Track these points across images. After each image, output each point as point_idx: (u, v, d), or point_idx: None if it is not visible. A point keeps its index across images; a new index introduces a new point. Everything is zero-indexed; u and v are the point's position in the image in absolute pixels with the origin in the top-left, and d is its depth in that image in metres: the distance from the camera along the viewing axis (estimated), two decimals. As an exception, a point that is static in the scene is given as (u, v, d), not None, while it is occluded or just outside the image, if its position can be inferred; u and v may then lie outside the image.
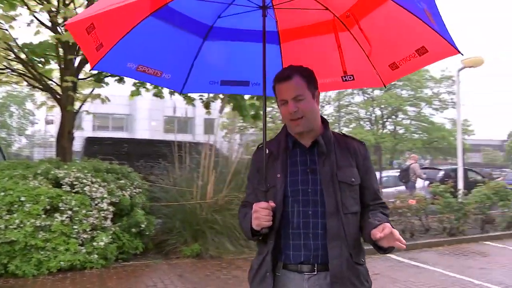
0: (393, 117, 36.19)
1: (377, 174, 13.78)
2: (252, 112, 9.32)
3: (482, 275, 6.40)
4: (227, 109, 10.60)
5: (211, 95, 9.36)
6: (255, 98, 9.07)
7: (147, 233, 6.96)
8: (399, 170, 16.03)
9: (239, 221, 2.16)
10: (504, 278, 6.25)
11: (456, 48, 2.01)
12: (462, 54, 2.03)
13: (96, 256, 6.09)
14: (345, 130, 33.02)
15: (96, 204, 6.34)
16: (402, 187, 14.07)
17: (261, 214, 1.90)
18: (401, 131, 36.00)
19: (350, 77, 2.49)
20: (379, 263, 6.86)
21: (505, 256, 7.76)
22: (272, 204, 1.93)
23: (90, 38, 2.04)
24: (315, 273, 1.94)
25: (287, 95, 1.99)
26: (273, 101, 6.94)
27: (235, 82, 2.64)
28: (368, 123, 37.81)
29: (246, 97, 9.01)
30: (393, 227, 1.79)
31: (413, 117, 35.52)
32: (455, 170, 15.85)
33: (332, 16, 2.35)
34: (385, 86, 2.51)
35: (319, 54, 2.51)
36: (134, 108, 37.72)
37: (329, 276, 1.90)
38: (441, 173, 16.13)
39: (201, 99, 9.66)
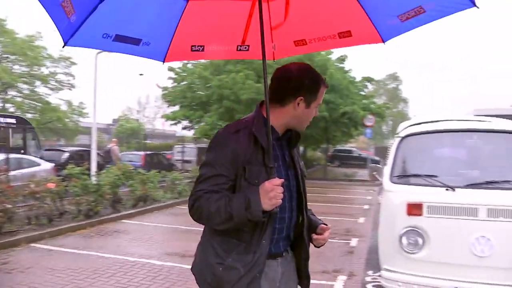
0: (3, 93, 33.12)
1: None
2: None
3: (132, 250, 6.94)
4: None
5: None
6: None
7: None
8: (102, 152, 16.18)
9: (214, 209, 1.86)
10: (149, 251, 6.93)
11: (382, 38, 2.12)
12: (384, 43, 2.16)
13: None
14: None
15: None
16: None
17: (278, 192, 1.83)
18: (11, 109, 33.33)
19: (245, 47, 2.37)
20: (26, 255, 6.43)
21: (142, 232, 8.57)
22: (282, 180, 1.87)
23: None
24: (284, 256, 2.08)
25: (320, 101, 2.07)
26: None
27: (131, 39, 2.18)
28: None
29: None
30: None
31: (26, 95, 33.50)
32: (80, 152, 16.07)
33: None
34: (274, 60, 2.44)
35: (225, 20, 2.31)
36: None
37: (303, 260, 2.13)
38: (66, 155, 16.01)
39: None
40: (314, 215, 2.24)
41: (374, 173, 5.03)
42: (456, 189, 4.20)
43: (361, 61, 36.00)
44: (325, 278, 5.78)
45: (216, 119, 20.17)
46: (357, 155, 41.74)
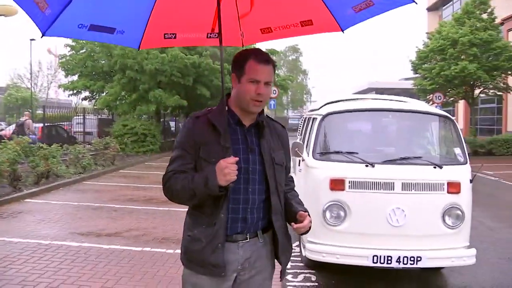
0: None
1: None
2: None
3: (43, 232, 6.57)
4: None
5: None
6: None
7: None
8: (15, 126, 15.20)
9: (180, 187, 2.07)
10: (61, 232, 6.61)
11: (340, 27, 2.28)
12: (343, 32, 2.30)
13: None
14: None
15: None
16: None
17: (232, 169, 1.96)
18: None
19: (214, 35, 2.49)
20: None
21: (50, 211, 8.12)
22: (236, 158, 2.00)
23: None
24: (247, 240, 2.15)
25: (262, 77, 2.08)
26: None
27: (105, 28, 2.30)
28: None
29: None
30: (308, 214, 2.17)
31: None
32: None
33: None
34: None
35: (195, 9, 2.42)
36: None
37: (279, 245, 2.18)
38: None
39: None
40: (299, 202, 2.29)
41: (296, 149, 5.21)
42: (375, 165, 4.54)
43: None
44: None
45: (119, 89, 19.33)
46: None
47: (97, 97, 22.30)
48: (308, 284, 5.00)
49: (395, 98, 6.14)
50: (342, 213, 4.61)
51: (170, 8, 2.37)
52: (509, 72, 21.86)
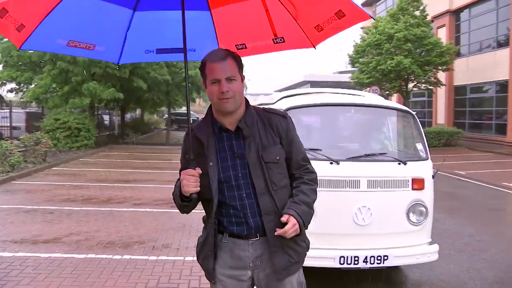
0: None
1: None
2: None
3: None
4: None
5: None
6: None
7: None
8: None
9: (173, 195, 2.20)
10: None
11: (370, 15, 2.25)
12: (374, 19, 2.24)
13: None
14: None
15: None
16: None
17: (189, 181, 2.03)
18: None
19: (280, 40, 2.55)
20: None
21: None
22: (198, 171, 2.06)
23: (5, 21, 2.05)
24: (258, 238, 2.16)
25: (220, 75, 2.06)
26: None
27: (170, 49, 2.64)
28: None
29: None
30: (299, 217, 2.08)
31: None
32: None
33: None
34: (314, 47, 2.56)
35: (249, 19, 2.57)
36: None
37: (269, 246, 2.13)
38: None
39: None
40: (295, 202, 2.15)
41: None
42: (340, 162, 4.35)
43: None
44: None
45: (50, 81, 18.07)
46: (195, 118, 42.22)
47: (24, 89, 20.81)
48: None
49: (351, 92, 6.03)
50: (306, 213, 4.39)
51: (230, 21, 2.59)
52: (440, 68, 22.88)
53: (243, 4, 2.52)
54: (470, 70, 24.79)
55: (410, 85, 24.00)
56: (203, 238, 2.22)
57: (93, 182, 10.89)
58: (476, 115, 25.63)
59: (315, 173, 2.29)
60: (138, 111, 35.34)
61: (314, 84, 41.16)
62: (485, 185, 11.76)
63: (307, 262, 4.30)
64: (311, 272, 4.82)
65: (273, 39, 2.57)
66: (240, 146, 2.13)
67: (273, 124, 2.18)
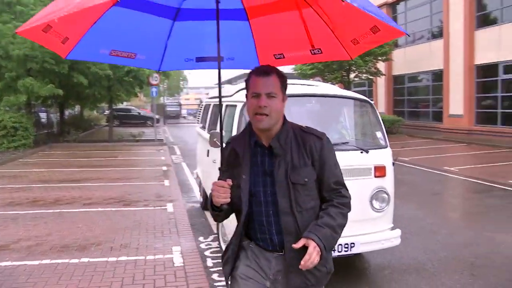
0: None
1: None
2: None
3: None
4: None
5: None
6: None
7: None
8: None
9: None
10: None
11: (405, 32, 2.27)
12: (408, 35, 2.18)
13: None
14: None
15: None
16: None
17: (219, 192, 2.06)
18: None
19: (318, 51, 2.59)
20: None
21: None
22: (229, 182, 2.09)
23: (49, 35, 2.17)
24: (282, 253, 2.13)
25: (262, 89, 2.04)
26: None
27: (210, 58, 2.69)
28: None
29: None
30: (320, 241, 1.97)
31: None
32: None
33: None
34: (352, 59, 2.60)
35: (287, 29, 2.59)
36: None
37: (287, 265, 2.09)
38: None
39: None
40: (318, 224, 2.06)
41: (215, 139, 4.86)
42: (304, 153, 4.35)
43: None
44: (160, 252, 5.47)
45: (-20, 78, 16.95)
46: (136, 113, 41.21)
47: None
48: (237, 282, 4.71)
49: (305, 83, 6.05)
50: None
51: (269, 31, 2.64)
52: (380, 58, 23.60)
53: (280, 15, 2.57)
54: (407, 60, 25.80)
55: (352, 75, 24.65)
56: (228, 245, 2.26)
57: (37, 183, 10.34)
58: (414, 104, 26.73)
59: (349, 198, 2.20)
60: (77, 108, 34.02)
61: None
62: (429, 170, 12.29)
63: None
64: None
65: (310, 50, 2.62)
66: (271, 164, 2.11)
67: (306, 144, 2.12)
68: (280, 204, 2.07)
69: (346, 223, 2.14)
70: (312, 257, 1.94)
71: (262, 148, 2.15)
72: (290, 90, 5.40)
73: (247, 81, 2.13)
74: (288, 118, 5.09)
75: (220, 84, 2.42)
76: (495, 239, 6.14)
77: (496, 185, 10.01)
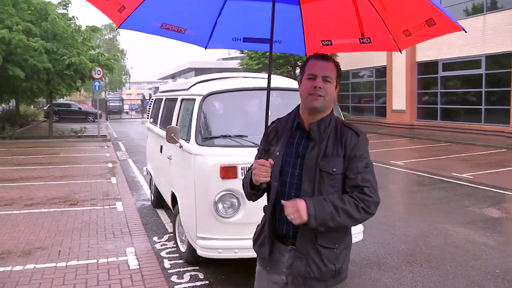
0: None
1: None
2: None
3: None
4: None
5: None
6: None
7: None
8: None
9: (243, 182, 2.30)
10: None
11: (461, 27, 2.12)
12: (465, 31, 2.14)
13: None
14: None
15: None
16: None
17: (260, 170, 2.07)
18: None
19: (367, 40, 2.53)
20: None
21: None
22: (271, 161, 2.10)
23: (109, 2, 2.29)
24: (295, 247, 2.12)
25: (319, 71, 2.09)
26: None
27: (257, 39, 2.69)
28: None
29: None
30: (313, 206, 1.94)
31: None
32: None
33: None
34: (400, 51, 2.51)
35: (338, 16, 2.55)
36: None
37: (296, 249, 2.10)
38: None
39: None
40: (324, 198, 2.02)
41: (173, 135, 4.64)
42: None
43: (82, 9, 33.52)
44: (114, 255, 5.17)
45: None
46: (77, 109, 39.70)
47: None
48: (198, 283, 4.52)
49: (263, 76, 5.92)
50: (236, 203, 4.22)
51: (320, 17, 2.58)
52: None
53: (334, 1, 2.52)
54: (352, 56, 26.31)
55: (298, 70, 24.85)
56: (261, 226, 2.25)
57: (-29, 183, 9.61)
58: (358, 99, 27.34)
59: (373, 198, 2.05)
60: (12, 102, 32.23)
61: (199, 71, 40.87)
62: (376, 164, 12.53)
63: (240, 254, 4.18)
64: (232, 262, 4.71)
65: (359, 39, 2.57)
66: (305, 148, 2.13)
67: (343, 136, 2.11)
68: (303, 187, 2.08)
69: (356, 216, 2.01)
70: (296, 206, 1.94)
71: (302, 131, 2.18)
72: (248, 83, 5.31)
73: (303, 65, 2.17)
74: (250, 112, 4.96)
75: (270, 67, 2.34)
76: (447, 230, 6.30)
77: (440, 178, 10.36)
